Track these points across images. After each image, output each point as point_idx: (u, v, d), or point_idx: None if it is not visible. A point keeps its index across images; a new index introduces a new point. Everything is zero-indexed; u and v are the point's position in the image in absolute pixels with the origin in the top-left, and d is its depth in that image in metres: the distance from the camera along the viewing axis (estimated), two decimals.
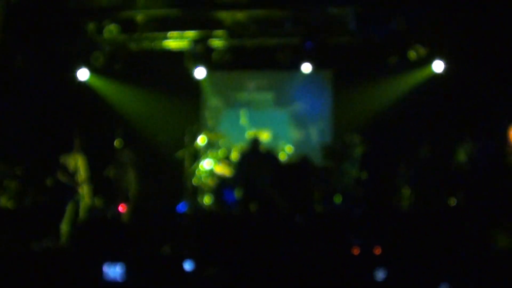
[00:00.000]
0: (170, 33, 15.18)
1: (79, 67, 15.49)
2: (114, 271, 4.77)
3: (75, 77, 15.55)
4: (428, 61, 14.77)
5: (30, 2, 14.41)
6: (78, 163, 12.84)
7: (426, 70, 15.02)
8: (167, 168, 15.16)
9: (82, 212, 12.74)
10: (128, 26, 14.97)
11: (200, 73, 15.45)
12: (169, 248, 11.95)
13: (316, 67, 15.74)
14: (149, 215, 13.76)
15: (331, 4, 15.02)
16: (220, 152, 14.72)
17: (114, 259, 4.93)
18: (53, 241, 12.28)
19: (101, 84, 15.80)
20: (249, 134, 14.93)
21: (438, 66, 14.74)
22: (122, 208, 13.85)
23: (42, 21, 14.69)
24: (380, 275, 7.35)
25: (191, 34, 15.19)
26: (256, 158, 13.13)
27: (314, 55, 15.53)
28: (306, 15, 15.27)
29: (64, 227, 12.35)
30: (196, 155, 14.64)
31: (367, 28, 15.06)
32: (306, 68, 15.52)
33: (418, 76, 15.27)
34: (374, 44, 15.13)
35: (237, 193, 13.48)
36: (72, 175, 12.75)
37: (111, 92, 15.92)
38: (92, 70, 15.53)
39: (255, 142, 13.22)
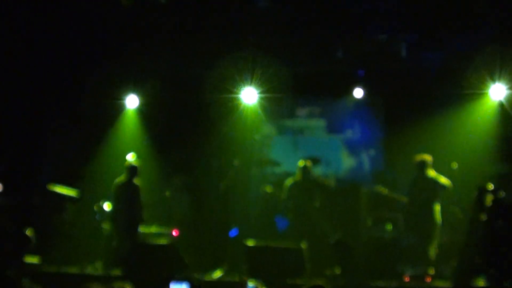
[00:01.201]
0: None
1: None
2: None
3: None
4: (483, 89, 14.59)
5: None
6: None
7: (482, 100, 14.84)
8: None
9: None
10: None
11: (249, 96, 15.64)
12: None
13: (367, 94, 15.85)
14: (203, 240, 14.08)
15: (381, 31, 15.10)
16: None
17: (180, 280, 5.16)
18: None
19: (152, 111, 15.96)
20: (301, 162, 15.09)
21: (496, 93, 14.53)
22: (176, 232, 14.07)
23: None
24: None
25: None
26: (306, 185, 13.37)
27: (365, 82, 15.66)
28: (357, 42, 15.40)
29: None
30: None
31: (418, 55, 15.13)
32: (358, 93, 15.64)
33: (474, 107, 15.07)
34: (425, 72, 15.12)
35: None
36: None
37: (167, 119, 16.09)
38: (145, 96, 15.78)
39: (305, 169, 13.44)
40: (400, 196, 13.07)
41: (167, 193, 13.85)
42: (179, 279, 5.16)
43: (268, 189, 14.02)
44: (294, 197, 13.45)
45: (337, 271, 12.00)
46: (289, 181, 13.73)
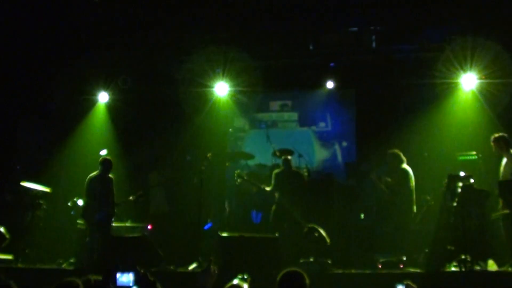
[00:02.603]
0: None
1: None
2: (127, 278, 4.98)
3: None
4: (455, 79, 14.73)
5: None
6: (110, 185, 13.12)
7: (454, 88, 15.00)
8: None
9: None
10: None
11: (222, 89, 15.65)
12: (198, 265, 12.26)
13: (339, 86, 15.94)
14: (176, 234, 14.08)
15: (352, 23, 15.19)
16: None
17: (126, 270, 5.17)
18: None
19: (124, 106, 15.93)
20: (276, 154, 15.16)
21: (468, 82, 14.68)
22: (150, 226, 14.09)
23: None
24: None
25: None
26: (289, 177, 13.46)
27: (337, 74, 15.74)
28: (328, 34, 15.48)
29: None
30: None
31: (388, 47, 15.23)
32: (330, 85, 15.76)
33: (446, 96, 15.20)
34: (396, 63, 15.22)
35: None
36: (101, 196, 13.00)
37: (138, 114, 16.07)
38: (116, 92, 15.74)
39: (287, 162, 13.54)
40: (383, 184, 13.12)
41: (131, 198, 13.75)
42: (125, 269, 5.11)
43: (241, 175, 13.99)
44: (280, 187, 13.53)
45: (311, 259, 12.03)
46: (274, 172, 13.78)
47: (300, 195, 13.62)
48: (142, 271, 5.01)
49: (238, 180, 14.06)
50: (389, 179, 13.08)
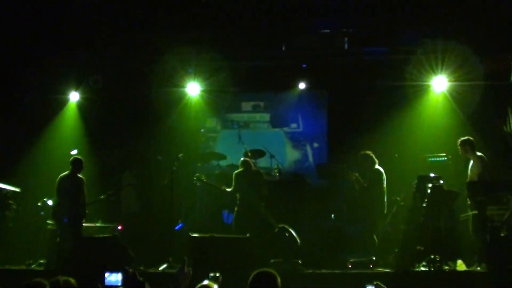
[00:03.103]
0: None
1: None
2: (115, 277, 4.97)
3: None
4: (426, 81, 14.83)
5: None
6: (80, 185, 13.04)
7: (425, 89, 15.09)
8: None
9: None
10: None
11: (194, 90, 15.63)
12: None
13: (311, 87, 16.01)
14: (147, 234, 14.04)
15: (324, 25, 15.26)
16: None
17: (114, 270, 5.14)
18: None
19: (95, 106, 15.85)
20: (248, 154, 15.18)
21: (439, 85, 14.79)
22: (120, 227, 14.03)
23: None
24: None
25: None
26: (249, 178, 13.47)
27: (309, 76, 15.80)
28: (300, 36, 15.54)
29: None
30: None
31: (360, 49, 15.32)
32: (302, 86, 15.82)
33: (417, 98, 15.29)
34: (368, 65, 15.31)
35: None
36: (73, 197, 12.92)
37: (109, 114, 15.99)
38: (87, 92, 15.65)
39: (246, 162, 13.55)
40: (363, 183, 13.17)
41: (102, 197, 13.69)
42: (114, 269, 5.10)
43: (199, 177, 13.95)
44: (240, 188, 13.52)
45: (282, 259, 12.06)
46: (235, 173, 13.79)
47: (262, 195, 13.63)
48: (131, 270, 4.99)
49: (198, 183, 14.04)
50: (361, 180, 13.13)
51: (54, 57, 14.80)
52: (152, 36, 14.84)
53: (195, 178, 13.86)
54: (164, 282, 10.60)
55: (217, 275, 7.65)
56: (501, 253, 11.61)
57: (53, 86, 15.37)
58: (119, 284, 5.00)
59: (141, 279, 5.01)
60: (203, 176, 13.98)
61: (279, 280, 6.01)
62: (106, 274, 4.97)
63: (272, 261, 11.99)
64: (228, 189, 13.67)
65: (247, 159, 13.91)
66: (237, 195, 13.50)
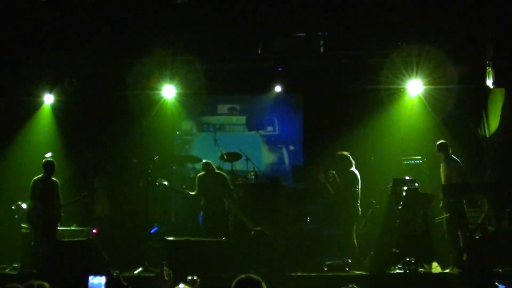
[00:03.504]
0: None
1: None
2: (98, 281, 4.93)
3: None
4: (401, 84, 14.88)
5: None
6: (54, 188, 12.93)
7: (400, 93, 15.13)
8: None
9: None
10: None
11: (169, 92, 15.59)
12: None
13: (287, 90, 16.03)
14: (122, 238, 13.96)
15: (300, 29, 15.28)
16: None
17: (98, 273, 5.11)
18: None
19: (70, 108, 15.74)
20: (224, 157, 15.20)
21: (414, 88, 14.84)
22: (95, 231, 13.95)
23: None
24: None
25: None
26: (212, 180, 13.52)
27: (285, 79, 15.82)
28: (276, 39, 15.55)
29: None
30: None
31: (336, 52, 15.34)
32: (278, 89, 15.84)
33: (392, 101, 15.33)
34: (343, 68, 15.34)
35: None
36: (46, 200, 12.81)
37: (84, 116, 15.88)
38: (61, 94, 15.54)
39: (208, 165, 13.58)
40: (329, 187, 13.19)
41: (75, 198, 13.60)
42: (97, 272, 5.06)
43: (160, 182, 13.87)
44: (204, 191, 13.53)
45: (259, 262, 12.04)
46: (197, 176, 13.77)
47: (226, 197, 13.68)
48: (115, 274, 4.94)
49: (161, 188, 13.97)
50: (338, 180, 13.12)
51: (28, 59, 14.67)
52: (128, 38, 14.78)
53: (157, 183, 13.74)
54: (140, 286, 10.65)
55: (195, 278, 7.62)
56: (476, 255, 11.71)
57: (28, 88, 15.21)
58: (102, 287, 4.96)
59: (125, 283, 4.97)
60: (164, 180, 13.88)
61: (264, 286, 5.87)
62: (90, 277, 4.92)
63: (248, 264, 11.96)
64: (192, 193, 13.66)
65: (209, 161, 13.90)
66: (200, 197, 13.53)
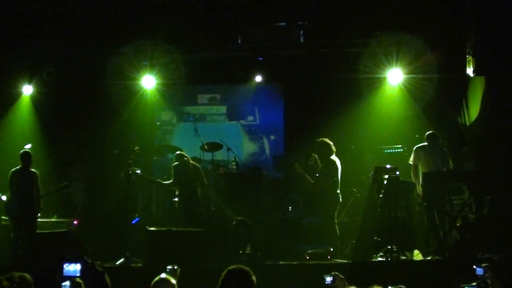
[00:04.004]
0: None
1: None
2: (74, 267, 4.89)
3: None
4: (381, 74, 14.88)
5: None
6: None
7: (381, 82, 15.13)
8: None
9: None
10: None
11: (149, 82, 15.51)
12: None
13: (267, 80, 16.01)
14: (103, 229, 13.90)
15: (280, 18, 15.27)
16: None
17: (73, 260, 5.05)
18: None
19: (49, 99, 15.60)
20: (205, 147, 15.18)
21: (394, 77, 14.84)
22: (76, 222, 13.88)
23: None
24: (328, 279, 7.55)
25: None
26: (186, 170, 13.53)
27: (265, 68, 15.79)
28: (256, 29, 15.53)
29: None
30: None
31: (316, 42, 15.33)
32: (259, 78, 15.80)
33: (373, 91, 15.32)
34: (323, 58, 15.33)
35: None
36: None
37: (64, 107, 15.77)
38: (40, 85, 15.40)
39: (182, 156, 13.63)
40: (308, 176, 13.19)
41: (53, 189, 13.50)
42: (72, 260, 5.01)
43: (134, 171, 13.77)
44: (179, 181, 13.52)
45: (240, 251, 12.05)
46: (173, 166, 13.73)
47: (199, 187, 13.74)
48: (89, 261, 4.90)
49: (133, 177, 13.88)
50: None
51: (6, 50, 14.54)
52: (107, 28, 14.69)
53: (130, 172, 13.65)
54: (121, 276, 10.63)
55: (175, 267, 7.61)
56: (457, 243, 11.79)
57: (6, 79, 15.07)
58: (78, 274, 4.90)
59: (100, 269, 4.93)
60: (137, 169, 13.77)
61: (253, 276, 5.76)
62: (65, 265, 4.87)
63: (230, 253, 11.97)
64: (166, 182, 13.63)
65: (182, 152, 13.89)
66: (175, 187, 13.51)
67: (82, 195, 14.91)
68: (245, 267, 5.83)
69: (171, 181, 13.60)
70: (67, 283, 4.89)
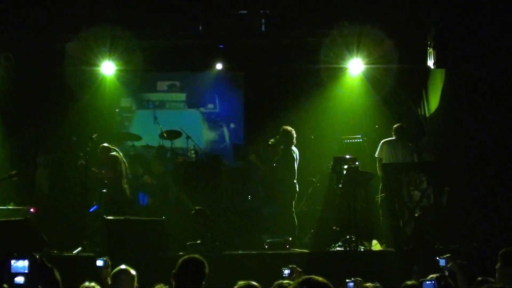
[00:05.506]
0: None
1: None
2: (22, 264, 4.77)
3: None
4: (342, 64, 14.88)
5: None
6: None
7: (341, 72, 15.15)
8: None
9: None
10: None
11: (108, 69, 15.33)
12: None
13: (228, 68, 15.93)
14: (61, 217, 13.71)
15: (241, 6, 15.19)
16: None
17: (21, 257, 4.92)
18: None
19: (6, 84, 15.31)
20: (164, 135, 15.09)
21: (355, 67, 14.86)
22: (34, 210, 13.66)
23: None
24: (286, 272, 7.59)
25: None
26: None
27: (226, 56, 15.71)
28: (217, 16, 15.43)
29: None
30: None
31: (277, 31, 15.29)
32: (219, 66, 15.71)
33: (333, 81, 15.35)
34: (284, 47, 15.30)
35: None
36: None
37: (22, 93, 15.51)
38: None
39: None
40: (265, 166, 13.19)
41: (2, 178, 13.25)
42: (19, 256, 4.88)
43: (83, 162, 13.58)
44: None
45: (198, 241, 11.99)
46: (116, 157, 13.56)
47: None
48: (38, 257, 4.79)
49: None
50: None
51: None
52: (66, 13, 14.47)
53: (78, 163, 13.45)
54: (78, 265, 10.52)
55: (105, 259, 7.64)
56: (416, 233, 11.89)
57: None
58: (26, 271, 4.78)
59: (49, 265, 4.82)
60: (83, 160, 13.56)
61: (206, 266, 6.02)
62: (12, 261, 4.74)
63: (188, 243, 11.90)
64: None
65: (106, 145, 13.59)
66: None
67: (46, 183, 14.65)
68: (198, 257, 5.96)
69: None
70: (21, 278, 4.76)
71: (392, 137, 13.13)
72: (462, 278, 6.65)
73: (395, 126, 13.13)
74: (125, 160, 13.54)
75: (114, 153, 13.29)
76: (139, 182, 14.51)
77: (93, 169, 13.11)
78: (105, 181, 13.36)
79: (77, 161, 13.54)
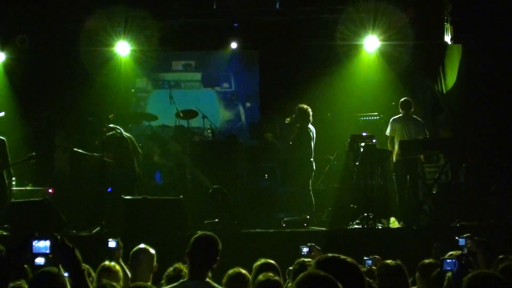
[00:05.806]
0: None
1: None
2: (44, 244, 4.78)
3: None
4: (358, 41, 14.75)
5: None
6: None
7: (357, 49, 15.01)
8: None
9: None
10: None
11: (123, 49, 15.32)
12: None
13: (242, 46, 15.89)
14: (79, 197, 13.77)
15: None
16: None
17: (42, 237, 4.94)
18: None
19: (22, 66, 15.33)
20: (180, 115, 15.08)
21: (370, 44, 14.74)
22: (52, 191, 13.74)
23: None
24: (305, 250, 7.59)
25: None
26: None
27: (240, 35, 15.66)
28: None
29: None
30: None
31: (292, 8, 15.22)
32: (234, 45, 15.67)
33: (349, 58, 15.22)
34: (299, 24, 15.23)
35: None
36: None
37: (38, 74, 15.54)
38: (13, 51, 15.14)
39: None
40: (281, 145, 13.19)
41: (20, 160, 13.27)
42: (41, 236, 4.90)
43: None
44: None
45: (216, 219, 12.02)
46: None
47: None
48: (59, 237, 4.81)
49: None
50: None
51: None
52: None
53: (96, 143, 13.45)
54: (97, 245, 10.56)
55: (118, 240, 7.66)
56: (434, 210, 11.88)
57: None
58: (48, 251, 4.79)
59: (70, 245, 4.84)
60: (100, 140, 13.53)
61: (219, 243, 6.00)
62: (34, 242, 4.75)
63: (206, 221, 11.93)
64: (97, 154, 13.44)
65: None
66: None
67: (65, 164, 14.68)
68: (212, 234, 6.01)
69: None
70: (42, 259, 4.78)
71: (399, 113, 13.03)
72: (483, 256, 6.62)
73: (401, 100, 13.04)
74: (132, 138, 13.47)
75: (110, 133, 13.16)
76: (151, 162, 14.56)
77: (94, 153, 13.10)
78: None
79: (94, 141, 13.60)
